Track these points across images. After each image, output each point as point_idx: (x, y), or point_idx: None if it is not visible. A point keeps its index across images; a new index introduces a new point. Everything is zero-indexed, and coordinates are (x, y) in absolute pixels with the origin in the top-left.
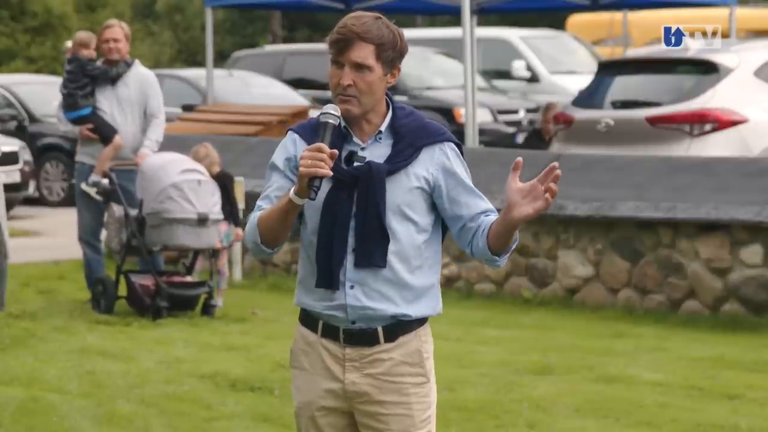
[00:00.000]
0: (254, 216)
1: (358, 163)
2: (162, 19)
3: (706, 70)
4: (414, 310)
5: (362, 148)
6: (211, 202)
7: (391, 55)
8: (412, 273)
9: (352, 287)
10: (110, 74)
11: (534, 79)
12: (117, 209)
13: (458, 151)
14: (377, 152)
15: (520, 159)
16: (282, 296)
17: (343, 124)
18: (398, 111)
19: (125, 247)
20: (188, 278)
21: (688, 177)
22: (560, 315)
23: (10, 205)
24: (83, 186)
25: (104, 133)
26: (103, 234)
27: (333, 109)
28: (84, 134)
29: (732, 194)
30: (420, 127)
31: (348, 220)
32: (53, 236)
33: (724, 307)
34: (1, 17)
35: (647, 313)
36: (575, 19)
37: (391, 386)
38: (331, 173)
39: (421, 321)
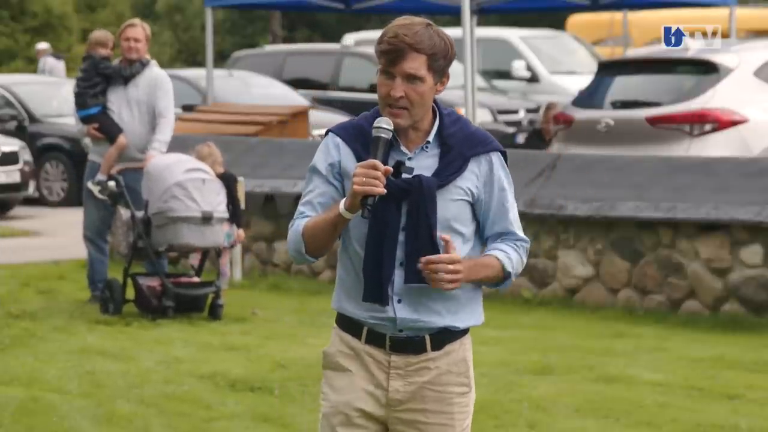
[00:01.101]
0: (298, 224)
1: (406, 175)
2: (162, 19)
3: (706, 70)
4: (461, 321)
5: (409, 158)
6: (215, 201)
7: (443, 64)
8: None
9: (399, 301)
10: (123, 73)
11: (534, 79)
12: (124, 213)
13: (504, 161)
14: (424, 162)
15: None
16: (282, 296)
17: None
18: (446, 118)
19: (132, 248)
20: (195, 278)
21: (688, 177)
22: (560, 315)
23: (10, 205)
24: (89, 184)
25: (109, 132)
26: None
27: (386, 123)
28: (90, 133)
29: (732, 194)
30: (468, 135)
31: (397, 234)
32: (53, 236)
33: (724, 307)
34: (1, 17)
35: (647, 313)
36: (575, 19)
37: (435, 395)
38: (385, 191)
39: (466, 329)
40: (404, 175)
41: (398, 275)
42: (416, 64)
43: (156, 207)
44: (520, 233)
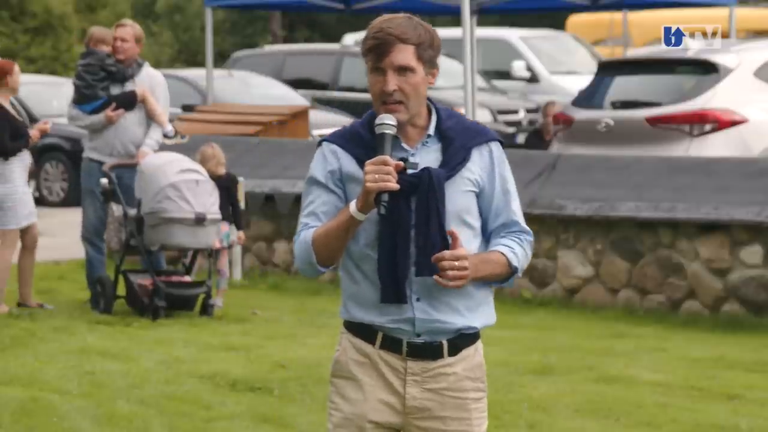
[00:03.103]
0: (305, 235)
1: (413, 170)
2: (162, 19)
3: (706, 70)
4: (478, 321)
5: (412, 154)
6: (209, 202)
7: (431, 53)
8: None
9: (418, 299)
10: (125, 75)
11: (534, 79)
12: (116, 209)
13: (502, 150)
14: (427, 157)
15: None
16: (282, 296)
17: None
18: (442, 112)
19: (124, 246)
20: (187, 278)
21: (688, 177)
22: (560, 315)
23: None
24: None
25: (129, 102)
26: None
27: (388, 119)
28: (110, 116)
29: (732, 194)
30: (466, 128)
31: (409, 231)
32: (53, 236)
33: (724, 308)
34: (1, 17)
35: (647, 314)
36: (575, 19)
37: (453, 402)
38: (399, 187)
39: (478, 333)
40: (410, 171)
41: (412, 272)
42: (405, 55)
43: (149, 207)
44: (524, 224)
